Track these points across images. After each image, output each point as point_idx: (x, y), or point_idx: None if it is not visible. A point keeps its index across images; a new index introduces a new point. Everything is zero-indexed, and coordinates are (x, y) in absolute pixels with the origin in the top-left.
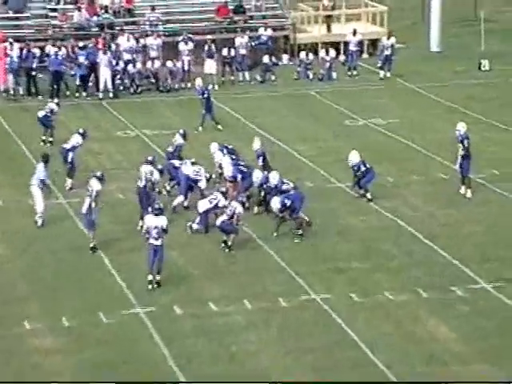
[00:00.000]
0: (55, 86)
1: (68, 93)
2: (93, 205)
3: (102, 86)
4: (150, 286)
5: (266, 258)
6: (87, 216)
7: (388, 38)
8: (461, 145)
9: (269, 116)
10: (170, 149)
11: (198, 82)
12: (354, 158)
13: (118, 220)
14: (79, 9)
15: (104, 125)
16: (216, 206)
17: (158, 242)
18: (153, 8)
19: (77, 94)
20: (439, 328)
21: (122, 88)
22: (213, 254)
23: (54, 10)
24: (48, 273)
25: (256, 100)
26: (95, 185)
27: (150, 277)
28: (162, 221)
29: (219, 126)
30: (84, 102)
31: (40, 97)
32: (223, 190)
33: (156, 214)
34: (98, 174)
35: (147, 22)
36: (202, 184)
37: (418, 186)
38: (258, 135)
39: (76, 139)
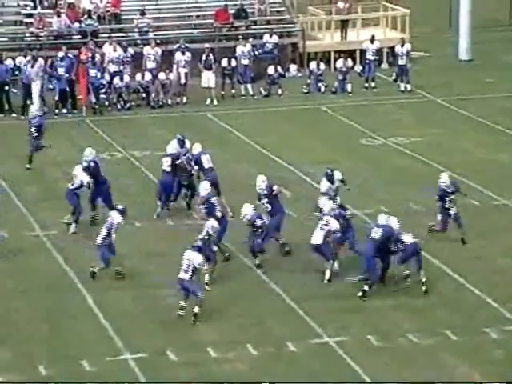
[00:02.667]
0: (29, 102)
1: (46, 109)
2: (113, 235)
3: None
4: (180, 312)
5: (271, 296)
6: (101, 247)
7: (402, 45)
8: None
9: (274, 135)
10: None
11: (33, 108)
12: (249, 210)
13: None
14: (58, 14)
15: (87, 145)
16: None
17: (186, 276)
18: (142, 13)
19: (56, 111)
20: (471, 376)
21: (107, 103)
22: (210, 292)
23: (30, 15)
24: (22, 314)
25: (260, 116)
26: (116, 217)
27: (183, 303)
28: (196, 257)
29: (28, 166)
30: (64, 120)
31: (14, 114)
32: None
33: (194, 251)
34: (120, 207)
35: (136, 29)
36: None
37: None
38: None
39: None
